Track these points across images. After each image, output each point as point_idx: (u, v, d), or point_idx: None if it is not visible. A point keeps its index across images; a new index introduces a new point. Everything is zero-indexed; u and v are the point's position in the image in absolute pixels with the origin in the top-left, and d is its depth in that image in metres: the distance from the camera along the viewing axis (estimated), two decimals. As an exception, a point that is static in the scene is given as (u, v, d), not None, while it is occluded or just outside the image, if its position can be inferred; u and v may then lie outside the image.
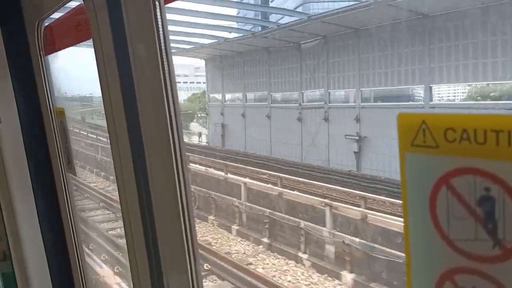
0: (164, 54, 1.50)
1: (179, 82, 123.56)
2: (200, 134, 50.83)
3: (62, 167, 2.74)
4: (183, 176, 1.58)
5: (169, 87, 1.53)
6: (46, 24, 2.51)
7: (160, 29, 1.48)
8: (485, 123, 0.64)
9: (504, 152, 0.63)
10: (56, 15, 2.40)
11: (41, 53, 2.56)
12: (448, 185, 0.70)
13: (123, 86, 1.66)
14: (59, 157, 2.71)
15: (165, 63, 1.50)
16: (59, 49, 2.58)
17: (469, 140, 0.66)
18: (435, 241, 0.73)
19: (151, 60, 1.54)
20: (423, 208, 0.73)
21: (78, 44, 2.33)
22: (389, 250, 13.06)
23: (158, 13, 1.47)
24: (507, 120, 0.63)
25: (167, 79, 1.52)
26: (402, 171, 0.75)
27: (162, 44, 1.49)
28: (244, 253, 16.78)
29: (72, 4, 2.13)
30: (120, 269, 12.00)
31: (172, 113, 1.54)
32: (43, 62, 2.59)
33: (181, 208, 1.58)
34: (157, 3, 1.44)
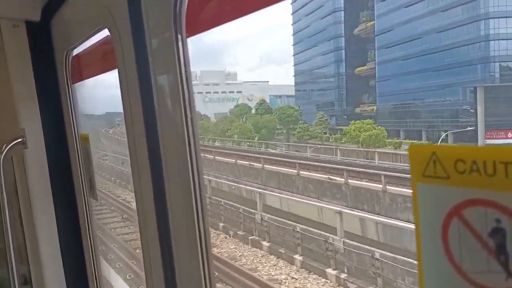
0: (185, 84, 1.55)
1: (209, 92, 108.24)
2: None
3: (85, 192, 2.79)
4: (200, 199, 1.59)
5: (188, 114, 1.57)
6: (74, 53, 2.62)
7: (182, 61, 1.53)
8: (494, 155, 0.65)
9: None
10: (84, 45, 2.50)
11: (69, 81, 2.66)
12: (459, 216, 0.70)
13: (145, 114, 1.71)
14: (82, 182, 2.77)
15: (186, 92, 1.55)
16: (86, 78, 2.68)
17: (479, 172, 0.67)
18: (448, 272, 0.72)
19: (172, 89, 1.59)
20: (436, 238, 0.74)
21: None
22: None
23: (180, 46, 1.52)
24: None
25: (187, 107, 1.57)
26: (414, 201, 0.76)
27: (184, 75, 1.54)
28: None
29: (99, 35, 2.22)
30: None
31: (192, 140, 1.57)
32: (70, 90, 2.68)
33: (196, 219, 1.59)
34: (179, 36, 1.50)
